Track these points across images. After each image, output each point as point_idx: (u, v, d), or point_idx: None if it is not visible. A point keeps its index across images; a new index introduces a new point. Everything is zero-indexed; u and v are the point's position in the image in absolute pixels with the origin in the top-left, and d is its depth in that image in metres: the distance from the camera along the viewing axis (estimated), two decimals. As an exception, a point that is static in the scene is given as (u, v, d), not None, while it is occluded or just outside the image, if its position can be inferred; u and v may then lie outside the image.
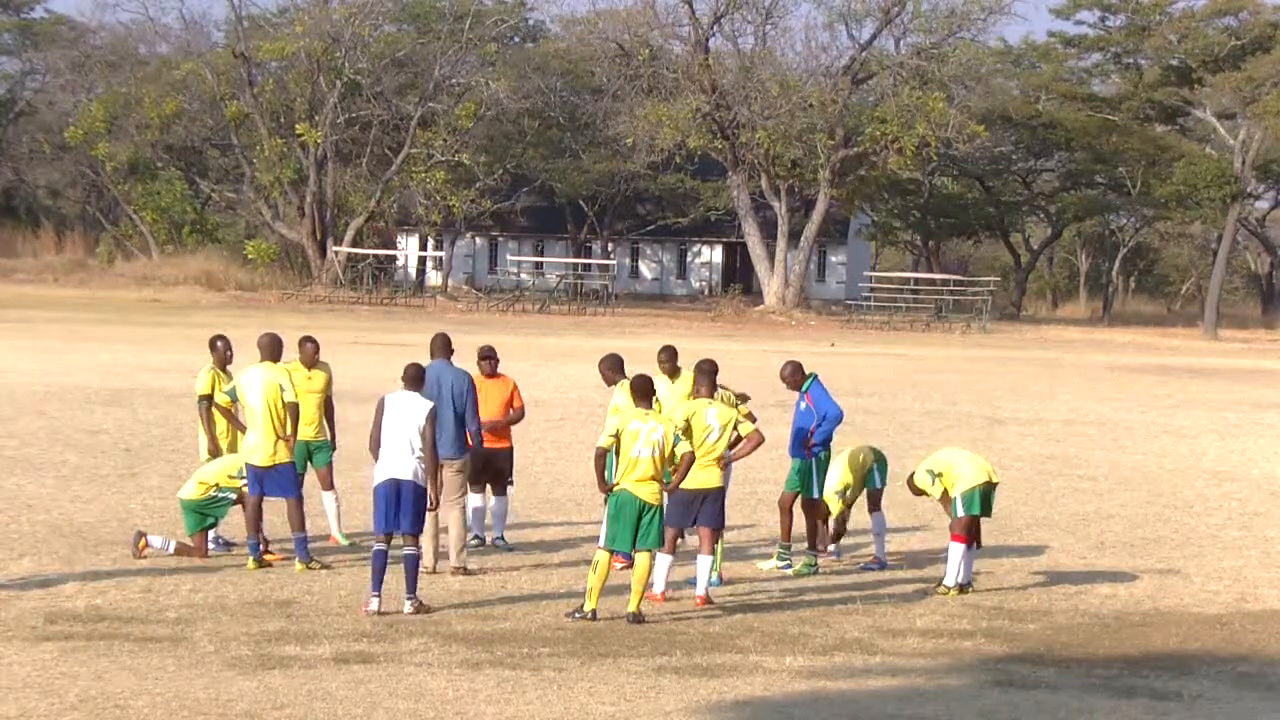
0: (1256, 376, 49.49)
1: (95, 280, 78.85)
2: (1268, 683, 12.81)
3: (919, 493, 16.45)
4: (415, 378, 14.72)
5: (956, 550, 15.76)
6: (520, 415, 17.30)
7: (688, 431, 14.61)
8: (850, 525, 17.80)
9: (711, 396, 15.24)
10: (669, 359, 16.35)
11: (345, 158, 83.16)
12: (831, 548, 17.33)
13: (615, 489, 14.15)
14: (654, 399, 14.70)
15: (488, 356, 17.25)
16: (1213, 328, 78.16)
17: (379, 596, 14.06)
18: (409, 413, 14.34)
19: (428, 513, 14.69)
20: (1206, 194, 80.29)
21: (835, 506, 16.96)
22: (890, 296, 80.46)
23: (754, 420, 15.64)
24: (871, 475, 17.12)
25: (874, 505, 17.17)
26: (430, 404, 14.51)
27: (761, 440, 15.20)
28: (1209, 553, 18.63)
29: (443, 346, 16.16)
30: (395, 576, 14.48)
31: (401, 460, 14.26)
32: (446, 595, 14.79)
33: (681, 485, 14.57)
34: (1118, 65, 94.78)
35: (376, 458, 14.43)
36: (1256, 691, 12.54)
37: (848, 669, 12.75)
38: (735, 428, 15.02)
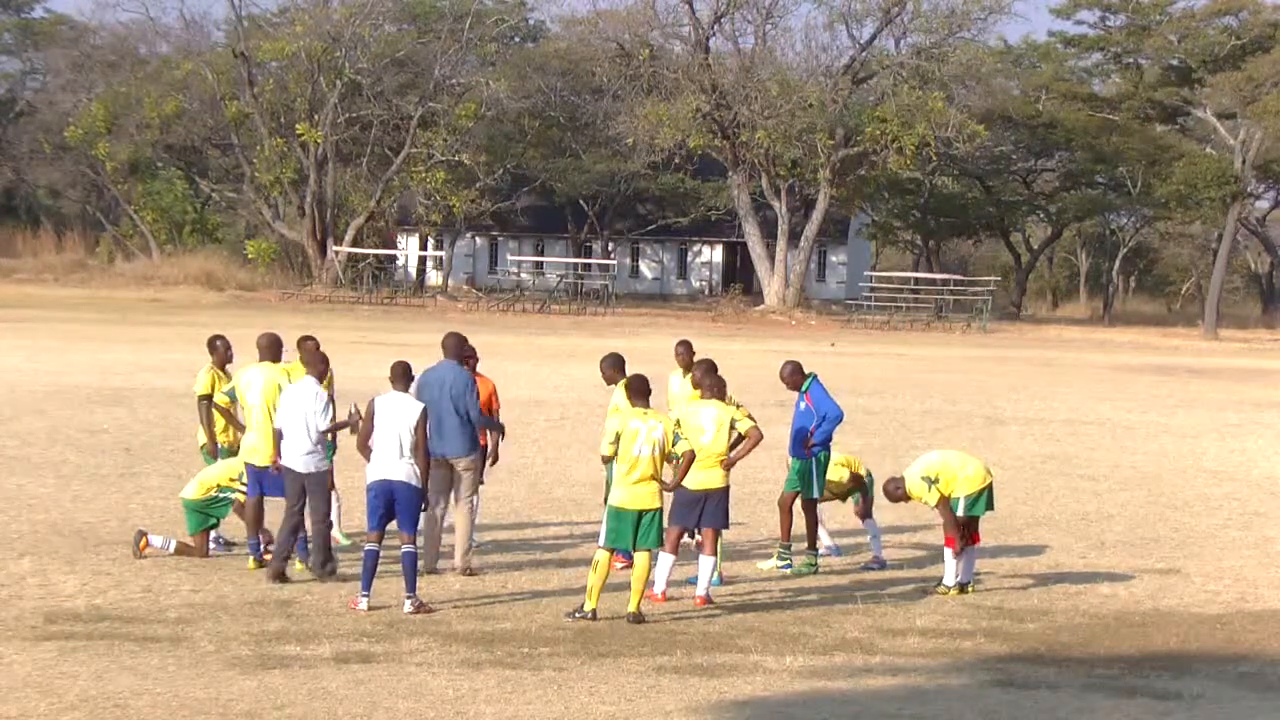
0: (1256, 376, 49.46)
1: (95, 280, 78.79)
2: (1267, 683, 12.81)
3: (901, 499, 16.11)
4: (403, 375, 14.66)
5: (950, 555, 15.73)
6: (498, 425, 17.07)
7: (678, 427, 14.65)
8: (848, 527, 17.79)
9: (721, 398, 15.23)
10: (685, 352, 16.76)
11: (345, 158, 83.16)
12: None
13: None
14: (650, 398, 14.70)
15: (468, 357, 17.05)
16: (1213, 327, 78.13)
17: (367, 595, 14.13)
18: (399, 414, 14.32)
19: (423, 514, 14.70)
20: (1206, 194, 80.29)
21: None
22: (890, 296, 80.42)
23: (753, 419, 15.63)
24: (859, 486, 17.20)
25: (866, 513, 17.19)
26: (422, 406, 14.49)
27: (760, 438, 15.11)
28: (1209, 553, 18.63)
29: (454, 348, 16.04)
30: (396, 577, 14.48)
31: (392, 461, 14.26)
32: (446, 595, 14.80)
33: (685, 485, 14.58)
34: (1118, 65, 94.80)
35: (367, 459, 14.44)
36: (1256, 691, 12.54)
37: (848, 669, 12.75)
38: (733, 426, 15.01)
